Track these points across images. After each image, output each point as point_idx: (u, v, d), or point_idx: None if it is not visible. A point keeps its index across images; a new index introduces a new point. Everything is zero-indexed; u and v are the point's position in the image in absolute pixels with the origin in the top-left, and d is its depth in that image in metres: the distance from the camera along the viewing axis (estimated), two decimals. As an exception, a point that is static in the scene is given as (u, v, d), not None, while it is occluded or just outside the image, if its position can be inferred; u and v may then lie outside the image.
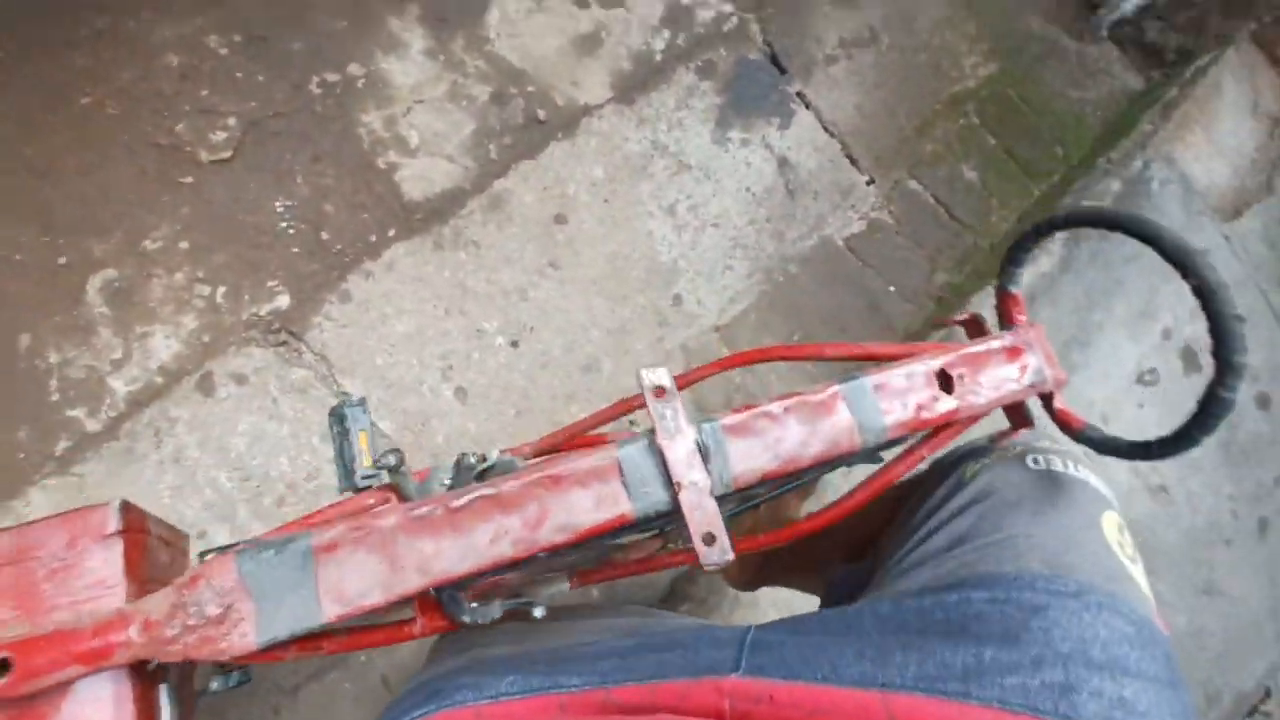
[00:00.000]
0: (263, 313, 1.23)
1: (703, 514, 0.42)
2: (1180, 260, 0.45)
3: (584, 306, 1.42)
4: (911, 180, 1.69)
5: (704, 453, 0.44)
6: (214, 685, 0.69)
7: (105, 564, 0.38)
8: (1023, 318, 0.58)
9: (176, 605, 0.36)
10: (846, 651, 0.41)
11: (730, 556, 0.42)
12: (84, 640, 0.35)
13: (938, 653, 0.38)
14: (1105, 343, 1.45)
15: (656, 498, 0.43)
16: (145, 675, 0.38)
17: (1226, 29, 1.70)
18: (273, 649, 0.39)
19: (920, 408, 0.48)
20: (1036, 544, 0.44)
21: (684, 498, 0.42)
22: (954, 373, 0.49)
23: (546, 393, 1.36)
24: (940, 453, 0.56)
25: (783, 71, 1.65)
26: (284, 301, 1.26)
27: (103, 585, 0.37)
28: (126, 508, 0.39)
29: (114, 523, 0.39)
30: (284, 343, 1.25)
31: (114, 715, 0.35)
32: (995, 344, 0.53)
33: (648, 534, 0.56)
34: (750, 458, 0.44)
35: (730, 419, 0.46)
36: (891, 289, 1.61)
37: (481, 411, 1.32)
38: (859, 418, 0.47)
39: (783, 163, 1.61)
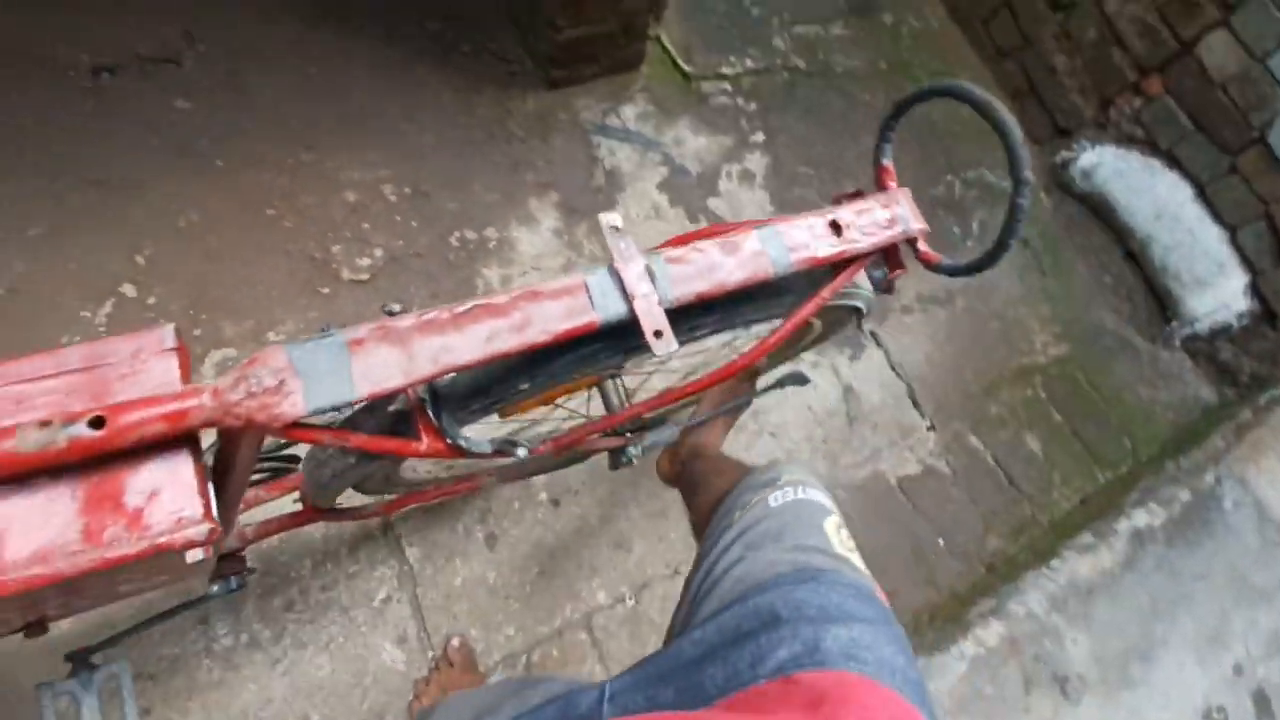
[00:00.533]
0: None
1: (652, 317, 0.54)
2: (984, 108, 0.61)
3: (629, 483, 1.44)
4: (973, 436, 1.71)
5: (651, 276, 0.56)
6: (214, 589, 0.82)
7: (165, 372, 0.45)
8: (892, 184, 0.71)
9: (239, 379, 0.44)
10: (674, 684, 0.53)
11: (674, 346, 0.54)
12: (166, 404, 0.42)
13: (732, 657, 0.50)
14: (1170, 661, 1.31)
15: (616, 308, 0.54)
16: (202, 459, 0.45)
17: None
18: (311, 430, 0.48)
19: (816, 247, 0.62)
20: (783, 554, 0.60)
21: (637, 305, 0.54)
22: (843, 223, 0.63)
23: (573, 561, 1.35)
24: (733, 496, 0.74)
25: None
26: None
27: (166, 386, 0.44)
28: (178, 331, 0.47)
29: (170, 340, 0.45)
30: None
31: (185, 478, 0.43)
32: (872, 202, 0.66)
33: (598, 369, 0.65)
34: (687, 280, 0.57)
35: (670, 251, 0.58)
36: (940, 542, 1.55)
37: (506, 563, 1.31)
38: (771, 253, 0.60)
39: (848, 390, 1.67)
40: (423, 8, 1.69)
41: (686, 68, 1.85)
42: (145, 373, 0.44)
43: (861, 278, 0.73)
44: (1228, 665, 1.35)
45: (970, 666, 1.22)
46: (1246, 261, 1.74)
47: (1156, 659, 1.32)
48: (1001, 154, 0.62)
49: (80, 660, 0.77)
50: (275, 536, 0.97)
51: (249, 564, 0.88)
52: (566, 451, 0.88)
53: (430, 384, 0.58)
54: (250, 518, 0.91)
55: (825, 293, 0.66)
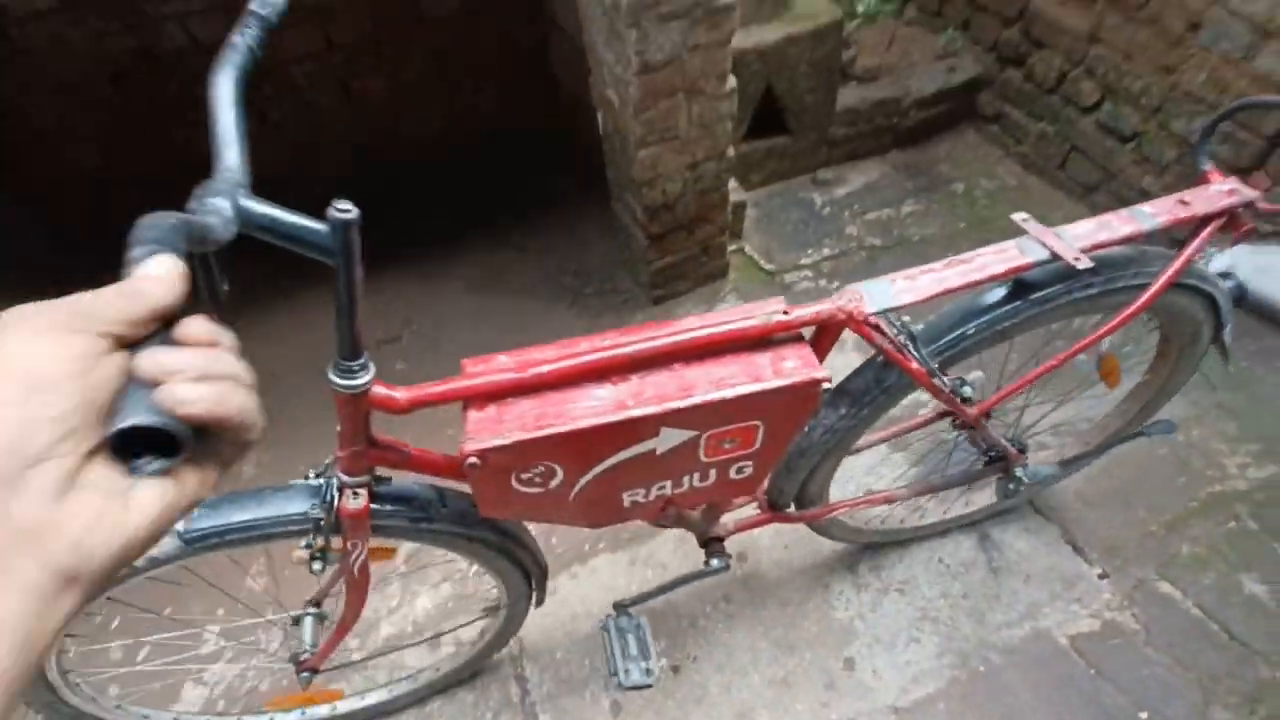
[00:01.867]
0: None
1: (1070, 252, 0.83)
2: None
3: (749, 647, 1.43)
4: (1163, 582, 1.42)
5: (1058, 235, 0.86)
6: (713, 563, 1.17)
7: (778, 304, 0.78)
8: (1218, 177, 0.90)
9: (840, 297, 0.83)
10: None
11: (1089, 264, 0.81)
12: (811, 307, 0.79)
13: None
14: None
15: (1039, 253, 0.85)
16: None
17: None
18: (872, 330, 0.85)
19: (1174, 212, 0.88)
20: None
21: (1058, 249, 0.84)
22: (1188, 199, 0.88)
23: (697, 732, 1.32)
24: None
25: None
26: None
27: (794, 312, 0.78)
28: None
29: (779, 304, 0.78)
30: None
31: (809, 354, 0.76)
32: (1208, 186, 0.90)
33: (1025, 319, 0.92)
34: (1087, 235, 0.86)
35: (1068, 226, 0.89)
36: (1143, 716, 1.24)
37: (631, 732, 1.33)
38: (1140, 221, 0.87)
39: (984, 538, 1.53)
40: (559, 268, 2.25)
41: (767, 266, 2.15)
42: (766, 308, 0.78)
43: (1221, 290, 0.99)
44: None
45: None
46: None
47: None
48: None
49: (621, 608, 1.27)
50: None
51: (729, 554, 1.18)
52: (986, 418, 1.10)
53: (909, 330, 0.88)
54: (730, 519, 1.20)
55: (1190, 248, 0.88)
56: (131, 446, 0.30)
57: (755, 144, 2.29)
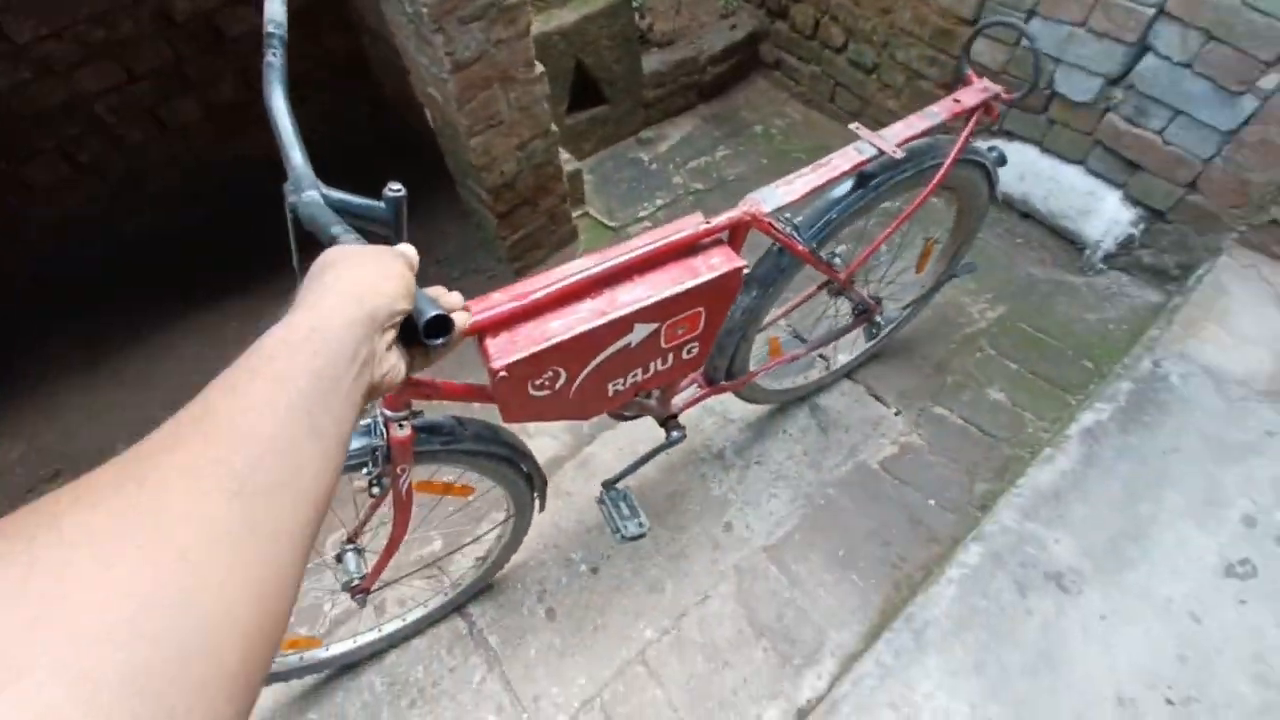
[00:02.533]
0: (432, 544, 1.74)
1: (890, 146, 1.15)
2: (1014, 26, 1.35)
3: (650, 536, 1.73)
4: (937, 407, 1.88)
5: (882, 136, 1.17)
6: (673, 436, 1.42)
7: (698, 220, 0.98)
8: (975, 79, 1.25)
9: (742, 204, 1.08)
10: None
11: (901, 155, 1.15)
12: (727, 215, 1.02)
13: None
14: (1166, 536, 1.35)
15: (870, 150, 1.16)
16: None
17: (1211, 244, 1.84)
18: (770, 226, 1.13)
19: (950, 107, 1.21)
20: None
21: (884, 146, 1.15)
22: (959, 97, 1.23)
23: (619, 612, 1.61)
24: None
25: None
26: (438, 545, 1.76)
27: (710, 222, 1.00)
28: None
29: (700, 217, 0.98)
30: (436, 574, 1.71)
31: (729, 253, 0.98)
32: (970, 87, 1.25)
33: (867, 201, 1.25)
34: (900, 133, 1.19)
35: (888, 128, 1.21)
36: (931, 502, 1.69)
37: (567, 628, 1.60)
38: (928, 120, 1.20)
39: (814, 408, 1.94)
40: (422, 261, 2.37)
41: (611, 224, 2.41)
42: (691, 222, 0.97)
43: (990, 159, 1.36)
44: (1235, 520, 1.37)
45: (958, 588, 1.35)
46: (1109, 181, 1.95)
47: (1151, 536, 1.37)
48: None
49: (609, 484, 1.50)
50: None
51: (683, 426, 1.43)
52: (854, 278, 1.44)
53: (793, 223, 1.16)
54: (680, 399, 1.46)
55: (966, 131, 1.22)
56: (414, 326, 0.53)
57: (579, 116, 2.51)
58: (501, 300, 0.89)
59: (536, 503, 1.34)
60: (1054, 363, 1.89)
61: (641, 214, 2.45)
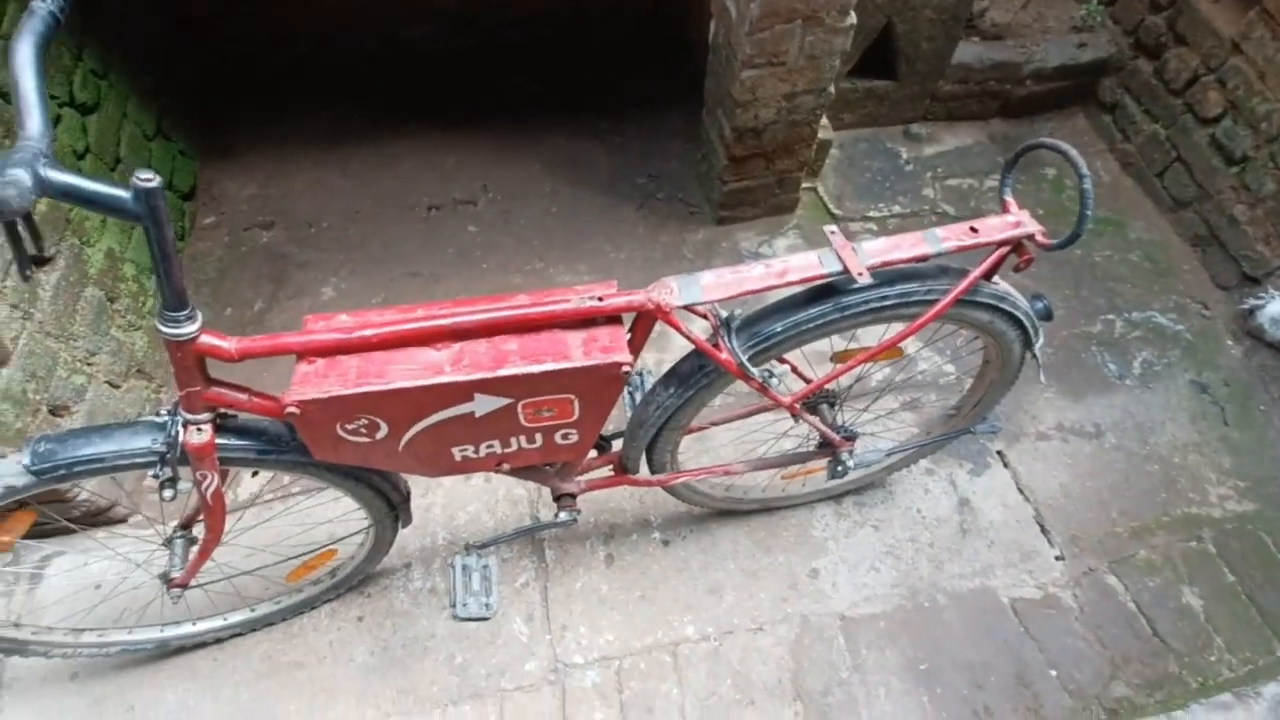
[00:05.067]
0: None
1: (857, 267, 0.91)
2: (1065, 155, 0.88)
3: (732, 539, 1.64)
4: (1111, 576, 1.57)
5: (854, 250, 0.92)
6: (560, 517, 1.23)
7: (595, 290, 0.85)
8: (1013, 208, 0.96)
9: (654, 288, 0.88)
10: None
11: (870, 280, 0.90)
12: (625, 297, 0.85)
13: None
14: None
15: (834, 266, 0.92)
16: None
17: None
18: (679, 321, 0.90)
19: (961, 239, 0.92)
20: None
21: (849, 263, 0.91)
22: (978, 226, 0.94)
23: (671, 594, 1.56)
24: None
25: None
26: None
27: (602, 299, 0.85)
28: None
29: (608, 288, 0.85)
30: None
31: (621, 337, 0.84)
32: (999, 217, 0.95)
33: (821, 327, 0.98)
34: (878, 253, 0.92)
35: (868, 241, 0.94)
36: (1053, 673, 1.43)
37: (617, 581, 1.58)
38: (929, 245, 0.92)
39: (963, 502, 1.68)
40: (636, 168, 2.31)
41: (836, 211, 2.19)
42: (587, 292, 0.84)
43: (1024, 309, 1.04)
44: None
45: (1047, 789, 1.15)
46: None
47: None
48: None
49: (471, 548, 1.41)
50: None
51: (579, 509, 1.28)
52: (806, 403, 1.21)
53: (725, 319, 0.96)
54: (586, 478, 1.30)
55: (977, 271, 0.95)
56: None
57: (857, 82, 2.25)
58: (341, 324, 0.80)
59: (400, 518, 1.21)
60: (1287, 600, 1.51)
61: (872, 214, 2.21)
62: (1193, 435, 1.77)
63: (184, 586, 1.16)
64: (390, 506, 1.17)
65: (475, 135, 2.35)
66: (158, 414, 0.88)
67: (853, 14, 1.60)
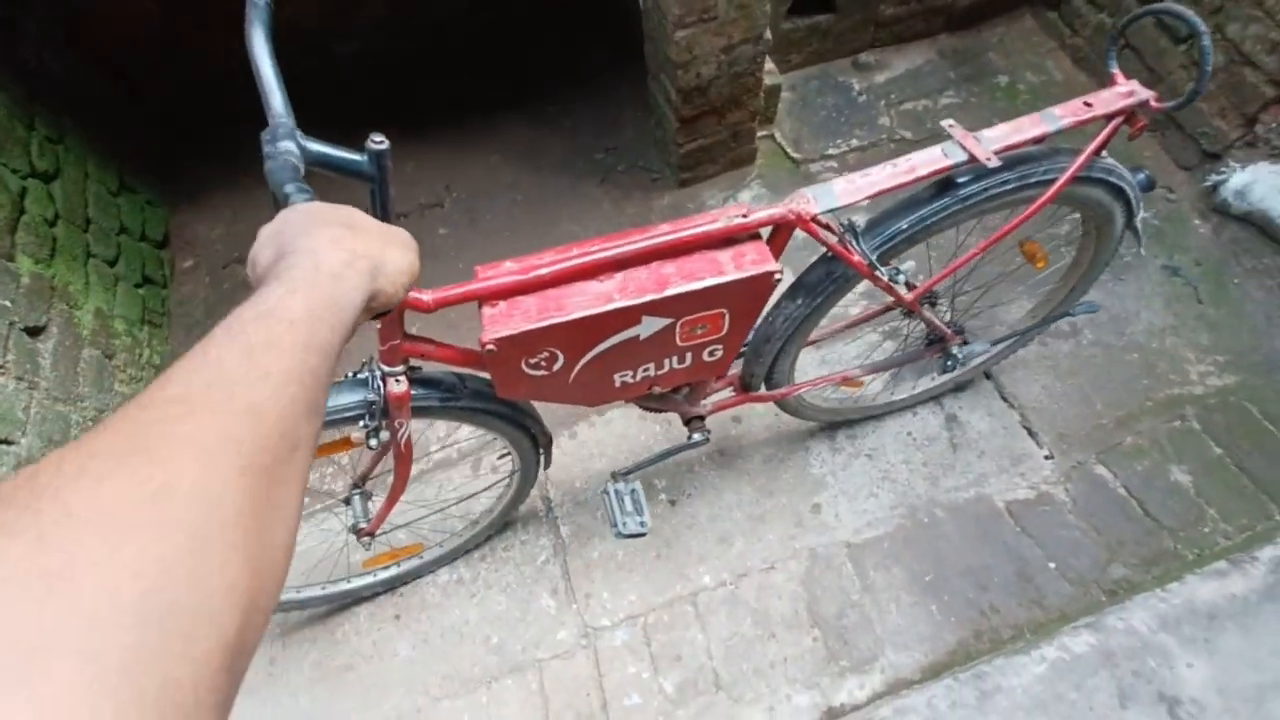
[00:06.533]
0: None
1: (984, 154, 0.95)
2: (1182, 17, 0.90)
3: (735, 489, 1.71)
4: (1100, 466, 1.63)
5: (978, 139, 0.98)
6: (695, 438, 1.32)
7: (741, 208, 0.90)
8: (1121, 80, 0.99)
9: (791, 199, 0.95)
10: None
11: (998, 163, 0.95)
12: (768, 210, 0.91)
13: None
14: None
15: (959, 156, 0.97)
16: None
17: None
18: (819, 227, 0.97)
19: (1078, 113, 0.97)
20: None
21: (976, 151, 0.96)
22: (1092, 100, 0.97)
23: (684, 550, 1.65)
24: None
25: (965, 343, 1.85)
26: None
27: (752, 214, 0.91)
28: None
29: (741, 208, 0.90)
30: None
31: (765, 251, 0.89)
32: (1110, 90, 0.98)
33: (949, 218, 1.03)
34: (999, 139, 0.99)
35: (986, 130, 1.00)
36: (1051, 565, 1.51)
37: (632, 545, 1.67)
38: (1047, 124, 0.97)
39: (951, 419, 1.74)
40: (592, 145, 2.33)
41: (795, 155, 2.20)
42: (730, 212, 0.89)
43: (1130, 181, 1.06)
44: None
45: (1050, 669, 1.22)
46: None
47: (1316, 704, 1.16)
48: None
49: (619, 476, 1.41)
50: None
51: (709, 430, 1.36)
52: (922, 303, 1.25)
53: (853, 226, 1.01)
54: (711, 400, 1.38)
55: (1093, 145, 0.97)
56: None
57: (797, 22, 2.24)
58: (510, 269, 0.85)
59: (542, 459, 1.31)
60: (1273, 464, 1.57)
61: (831, 151, 2.22)
62: (1168, 319, 1.80)
63: (372, 534, 1.31)
64: (536, 450, 1.27)
65: (431, 138, 2.37)
66: (347, 376, 0.98)
67: (774, -44, 1.60)
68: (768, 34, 1.78)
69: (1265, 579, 1.28)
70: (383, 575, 1.57)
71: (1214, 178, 1.87)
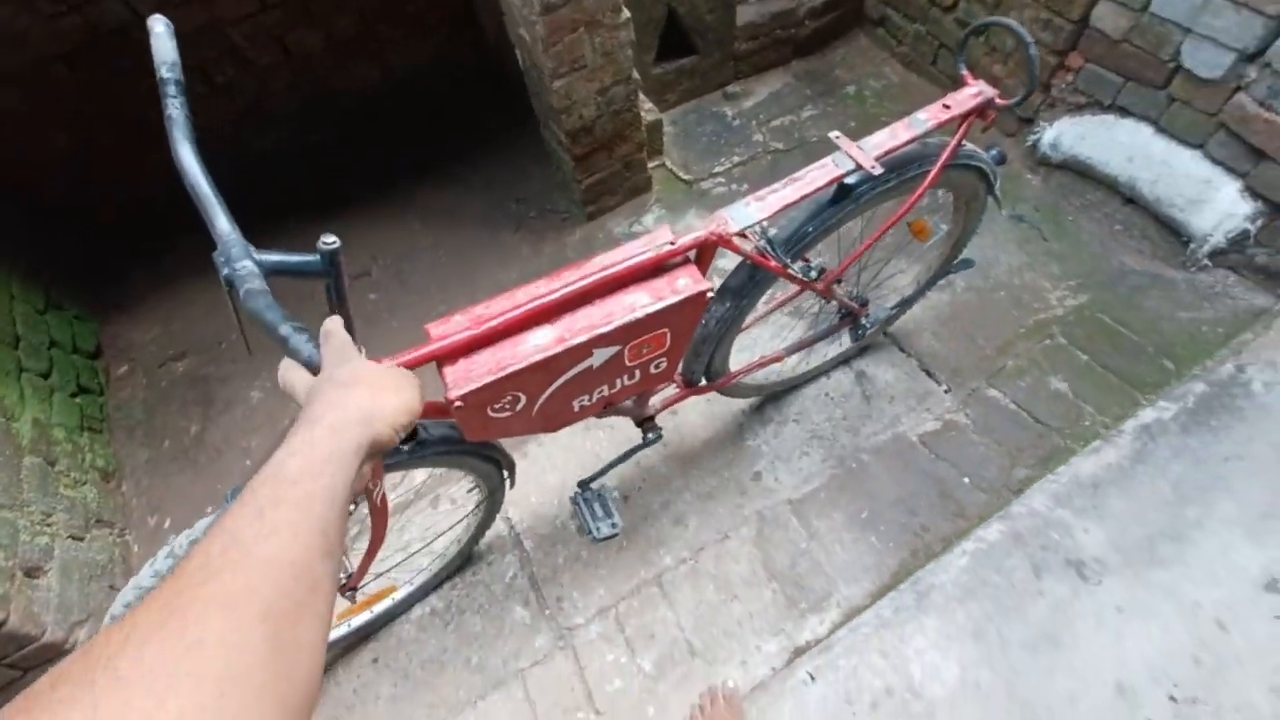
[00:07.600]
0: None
1: (868, 161, 1.09)
2: (1009, 28, 1.11)
3: (681, 474, 1.83)
4: (991, 389, 1.84)
5: (860, 146, 1.11)
6: (648, 438, 1.45)
7: (664, 235, 0.97)
8: (971, 81, 1.16)
9: (710, 222, 1.05)
10: None
11: (880, 170, 1.09)
12: (695, 235, 1.00)
13: None
14: (1209, 541, 1.30)
15: (848, 165, 1.10)
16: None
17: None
18: (737, 244, 1.08)
19: (938, 115, 1.13)
20: None
21: (860, 160, 1.10)
22: (950, 102, 1.14)
23: (644, 538, 1.74)
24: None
25: (869, 313, 2.08)
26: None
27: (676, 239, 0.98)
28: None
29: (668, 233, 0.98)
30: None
31: (695, 272, 0.97)
32: (963, 91, 1.15)
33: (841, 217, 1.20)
34: (878, 146, 1.11)
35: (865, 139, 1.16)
36: (965, 480, 1.69)
37: (593, 545, 1.75)
38: (915, 127, 1.12)
39: (860, 375, 1.94)
40: (503, 196, 2.53)
41: (686, 177, 2.45)
42: (655, 241, 0.96)
43: (987, 161, 1.27)
44: (1292, 538, 1.31)
45: (971, 560, 1.37)
46: (1230, 170, 1.79)
47: (1191, 540, 1.33)
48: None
49: (585, 484, 1.54)
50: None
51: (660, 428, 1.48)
52: (833, 286, 1.40)
53: (768, 236, 1.13)
54: (658, 399, 1.49)
55: (954, 141, 1.15)
56: None
57: (666, 66, 2.54)
58: (461, 324, 0.90)
59: (508, 482, 1.37)
60: (1130, 359, 1.81)
61: (717, 169, 2.48)
62: (1023, 258, 2.07)
63: (355, 588, 1.36)
64: (501, 473, 1.33)
65: (352, 214, 2.53)
66: None
67: (625, 10, 1.87)
68: (635, 74, 2.04)
69: (1132, 445, 1.47)
70: (357, 623, 1.59)
71: (1031, 137, 2.20)
